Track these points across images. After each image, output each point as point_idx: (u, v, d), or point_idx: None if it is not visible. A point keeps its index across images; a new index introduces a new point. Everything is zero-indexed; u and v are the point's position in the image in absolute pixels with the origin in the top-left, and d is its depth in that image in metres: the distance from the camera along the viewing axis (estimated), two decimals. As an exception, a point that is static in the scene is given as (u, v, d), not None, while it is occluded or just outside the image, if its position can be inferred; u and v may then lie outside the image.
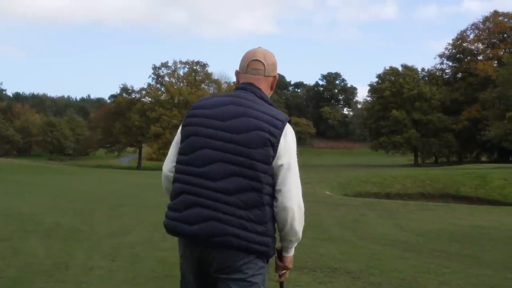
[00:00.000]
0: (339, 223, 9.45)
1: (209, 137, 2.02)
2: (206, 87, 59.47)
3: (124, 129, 56.06)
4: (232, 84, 56.49)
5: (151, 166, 48.62)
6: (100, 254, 5.94)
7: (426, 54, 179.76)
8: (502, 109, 43.56)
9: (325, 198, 14.73)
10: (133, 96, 60.30)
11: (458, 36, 58.45)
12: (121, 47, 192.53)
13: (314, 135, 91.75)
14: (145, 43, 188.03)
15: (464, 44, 58.08)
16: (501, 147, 46.76)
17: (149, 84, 59.32)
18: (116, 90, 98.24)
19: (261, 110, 2.04)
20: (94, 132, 66.51)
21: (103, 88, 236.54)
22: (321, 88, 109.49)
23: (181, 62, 58.56)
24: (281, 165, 1.99)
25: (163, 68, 58.93)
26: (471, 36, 58.53)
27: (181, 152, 2.09)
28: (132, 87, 60.41)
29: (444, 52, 59.61)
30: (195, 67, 58.86)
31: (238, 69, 2.22)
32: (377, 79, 60.49)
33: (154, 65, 58.84)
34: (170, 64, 58.73)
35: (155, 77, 59.03)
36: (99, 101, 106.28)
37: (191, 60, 58.73)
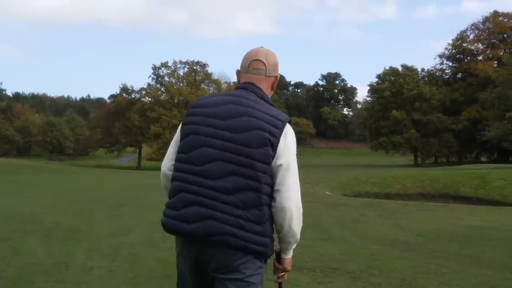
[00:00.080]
0: (339, 223, 9.45)
1: (208, 135, 2.02)
2: (206, 87, 59.46)
3: (124, 129, 56.06)
4: (232, 84, 56.51)
5: (151, 166, 48.61)
6: (100, 254, 5.94)
7: (426, 54, 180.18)
8: (502, 109, 43.58)
9: (325, 198, 14.73)
10: (133, 96, 60.32)
11: (458, 36, 58.48)
12: (121, 47, 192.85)
13: (314, 135, 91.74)
14: (145, 43, 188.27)
15: (464, 44, 58.11)
16: (501, 147, 46.78)
17: (149, 84, 59.41)
18: (116, 90, 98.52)
19: (261, 110, 2.04)
20: (94, 132, 66.53)
21: (103, 88, 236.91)
22: (321, 88, 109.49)
23: (181, 62, 58.60)
24: (280, 165, 1.98)
25: (163, 68, 58.98)
26: (471, 36, 58.61)
27: (180, 150, 2.09)
28: (132, 87, 60.53)
29: (444, 52, 59.74)
30: (195, 67, 58.86)
31: (239, 68, 2.22)
32: (377, 79, 60.55)
33: (154, 65, 58.93)
34: (170, 64, 58.81)
35: (155, 77, 59.07)
36: (99, 101, 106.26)
37: (191, 60, 58.83)
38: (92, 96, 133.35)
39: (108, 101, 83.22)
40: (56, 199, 12.91)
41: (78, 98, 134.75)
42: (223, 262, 1.96)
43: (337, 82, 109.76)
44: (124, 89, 60.46)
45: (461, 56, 58.47)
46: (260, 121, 1.99)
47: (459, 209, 13.13)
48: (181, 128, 2.13)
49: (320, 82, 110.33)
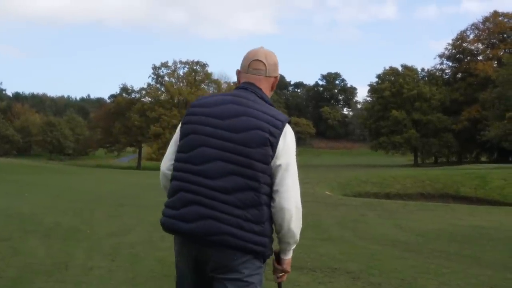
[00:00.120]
0: (339, 223, 9.45)
1: (208, 135, 2.01)
2: (206, 87, 59.43)
3: (124, 129, 56.04)
4: (232, 84, 56.49)
5: (151, 166, 48.61)
6: (99, 254, 5.95)
7: (426, 54, 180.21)
8: (502, 109, 43.58)
9: (324, 198, 14.73)
10: (133, 96, 60.28)
11: (458, 36, 58.48)
12: (121, 47, 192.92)
13: (314, 135, 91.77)
14: (145, 43, 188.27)
15: (464, 44, 58.11)
16: (501, 147, 46.79)
17: (149, 84, 59.36)
18: (116, 90, 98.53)
19: (261, 110, 2.04)
20: (94, 132, 66.51)
21: (103, 88, 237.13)
22: (321, 88, 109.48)
23: (181, 62, 58.57)
24: (279, 165, 1.98)
25: (163, 68, 58.94)
26: (471, 36, 58.61)
27: (179, 150, 2.09)
28: (132, 87, 60.47)
29: (444, 52, 59.74)
30: (195, 67, 58.83)
31: (239, 68, 2.22)
32: (377, 79, 60.55)
33: (154, 65, 58.87)
34: (170, 64, 58.75)
35: (155, 77, 59.03)
36: (99, 101, 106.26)
37: (191, 60, 58.80)
38: (92, 96, 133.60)
39: (108, 101, 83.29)
40: (56, 199, 12.91)
41: (78, 98, 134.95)
42: (222, 262, 1.96)
43: (337, 82, 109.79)
44: (124, 89, 60.44)
45: (461, 56, 58.48)
46: (259, 121, 1.99)
47: (459, 209, 13.13)
48: (181, 127, 2.12)
49: (320, 82, 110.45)
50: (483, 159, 58.72)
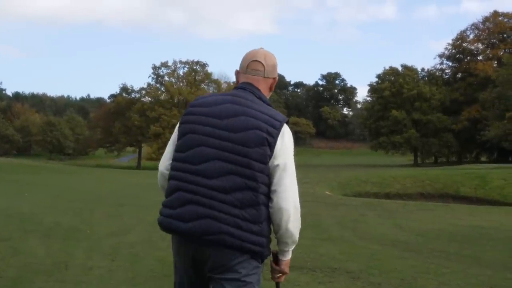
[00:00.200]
0: (338, 223, 9.45)
1: (206, 135, 2.02)
2: (206, 87, 59.43)
3: (124, 128, 56.06)
4: (232, 84, 56.45)
5: (150, 165, 48.55)
6: (99, 253, 5.95)
7: (426, 54, 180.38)
8: (502, 109, 43.57)
9: (324, 198, 14.73)
10: (132, 95, 60.30)
11: (458, 36, 58.45)
12: (121, 47, 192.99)
13: (314, 135, 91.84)
14: (145, 43, 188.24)
15: (464, 44, 58.07)
16: (500, 147, 46.77)
17: (148, 84, 59.35)
18: (116, 89, 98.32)
19: (259, 109, 2.04)
20: (93, 132, 66.53)
21: (103, 88, 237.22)
22: (321, 88, 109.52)
23: (181, 62, 58.56)
24: (277, 165, 1.98)
25: (162, 68, 58.95)
26: (471, 36, 58.57)
27: (177, 149, 2.09)
28: (132, 87, 60.52)
29: (444, 52, 59.68)
30: (195, 67, 58.83)
31: (238, 69, 2.22)
32: (376, 79, 60.52)
33: (154, 65, 58.89)
34: (170, 64, 58.76)
35: (155, 76, 59.04)
36: (99, 100, 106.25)
37: (191, 60, 58.80)
38: (92, 96, 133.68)
39: (108, 100, 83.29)
40: (56, 199, 12.91)
41: (78, 98, 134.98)
42: (220, 261, 1.96)
43: (337, 82, 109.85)
44: (124, 88, 60.45)
45: (461, 56, 58.45)
46: (258, 121, 1.99)
47: (459, 209, 13.12)
48: (179, 127, 2.13)
49: (320, 82, 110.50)
50: (483, 159, 58.70)
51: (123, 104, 57.45)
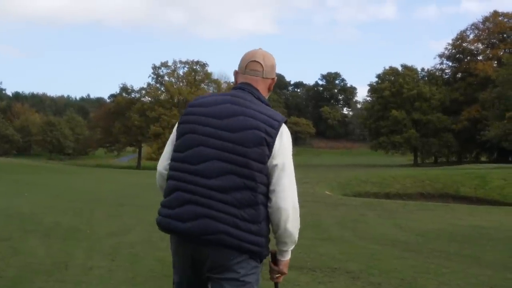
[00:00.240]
0: (338, 223, 9.45)
1: (205, 135, 2.02)
2: (206, 86, 59.42)
3: (124, 128, 56.06)
4: (231, 84, 56.29)
5: (150, 165, 48.52)
6: (99, 253, 5.95)
7: (426, 54, 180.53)
8: (502, 109, 43.57)
9: (324, 198, 14.73)
10: (132, 95, 60.29)
11: (458, 36, 58.47)
12: (121, 47, 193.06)
13: (314, 135, 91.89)
14: (145, 43, 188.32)
15: (464, 44, 58.09)
16: (500, 147, 46.77)
17: (148, 84, 59.36)
18: (115, 89, 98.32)
19: (258, 109, 2.04)
20: (93, 132, 66.54)
21: (103, 88, 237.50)
22: (321, 88, 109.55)
23: (180, 62, 58.55)
24: (276, 165, 1.98)
25: (162, 68, 58.94)
26: (471, 36, 58.59)
27: (176, 149, 2.09)
28: (132, 87, 60.50)
29: (444, 52, 59.72)
30: (194, 67, 58.82)
31: (237, 69, 2.22)
32: (376, 79, 60.54)
33: (154, 64, 58.86)
34: (169, 63, 58.74)
35: (155, 76, 59.02)
36: (99, 100, 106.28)
37: (191, 59, 58.79)
38: (92, 96, 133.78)
39: (108, 100, 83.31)
40: (56, 198, 12.91)
41: (78, 98, 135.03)
42: (219, 261, 1.96)
43: (337, 82, 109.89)
44: (124, 88, 60.44)
45: (461, 56, 58.46)
46: (256, 121, 1.99)
47: (459, 209, 13.12)
48: (178, 127, 2.13)
49: (320, 82, 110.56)
50: (483, 159, 58.71)
51: (123, 104, 57.45)
